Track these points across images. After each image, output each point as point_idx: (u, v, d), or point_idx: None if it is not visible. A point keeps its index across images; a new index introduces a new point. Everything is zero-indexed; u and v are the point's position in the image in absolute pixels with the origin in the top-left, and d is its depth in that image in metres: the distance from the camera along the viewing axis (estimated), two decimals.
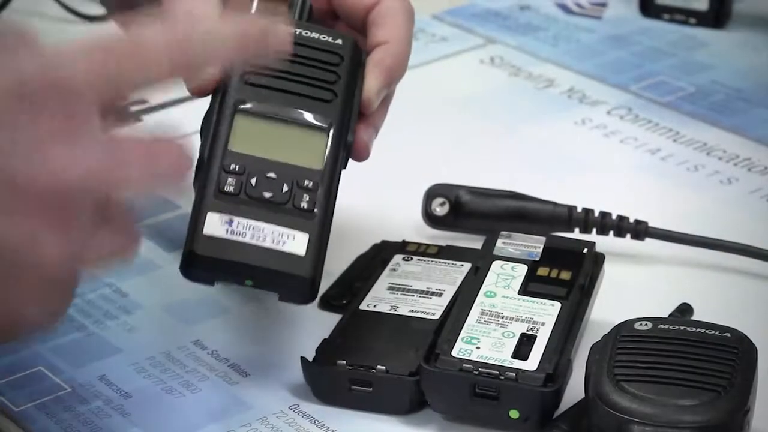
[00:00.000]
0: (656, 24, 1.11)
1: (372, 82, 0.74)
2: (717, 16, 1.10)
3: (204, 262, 0.69)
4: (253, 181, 0.70)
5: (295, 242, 0.70)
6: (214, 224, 0.69)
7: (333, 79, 0.74)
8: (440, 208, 0.84)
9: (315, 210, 0.71)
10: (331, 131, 0.73)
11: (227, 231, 0.69)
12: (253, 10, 0.73)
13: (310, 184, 0.71)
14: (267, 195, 0.70)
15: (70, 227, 0.57)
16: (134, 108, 0.98)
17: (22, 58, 0.56)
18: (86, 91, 0.57)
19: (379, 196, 0.87)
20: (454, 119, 0.98)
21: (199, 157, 0.71)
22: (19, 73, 0.56)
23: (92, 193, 0.58)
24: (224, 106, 0.72)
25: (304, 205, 0.71)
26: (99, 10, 1.10)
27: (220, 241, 0.69)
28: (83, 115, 0.57)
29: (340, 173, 0.73)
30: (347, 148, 0.73)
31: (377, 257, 0.80)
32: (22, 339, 0.67)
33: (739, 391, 0.66)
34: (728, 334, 0.68)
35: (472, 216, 0.84)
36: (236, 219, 0.69)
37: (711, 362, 0.67)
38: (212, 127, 0.72)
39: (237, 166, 0.70)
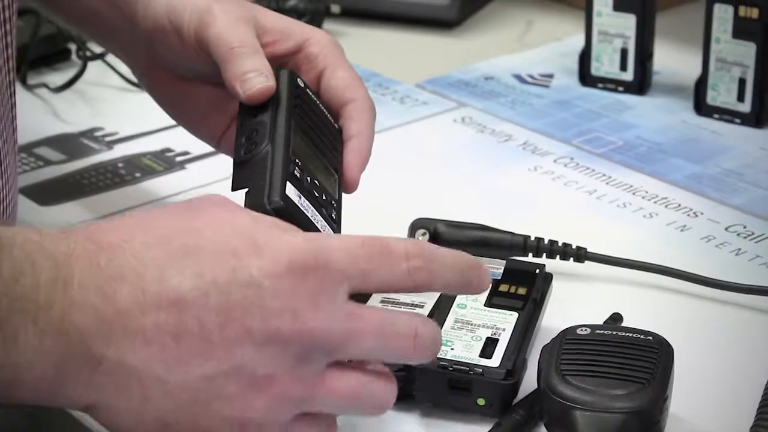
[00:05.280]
0: (592, 91, 1.11)
1: (356, 170, 0.75)
2: (640, 85, 1.10)
3: (281, 213, 0.67)
4: (308, 178, 0.70)
5: None
6: (291, 191, 0.68)
7: (334, 148, 0.75)
8: (422, 238, 0.84)
9: (336, 222, 0.71)
10: (338, 177, 0.74)
11: (298, 201, 0.68)
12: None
13: (334, 203, 0.72)
14: (316, 194, 0.70)
15: (299, 373, 0.58)
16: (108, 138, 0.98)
17: (295, 236, 0.59)
18: (341, 272, 0.58)
19: (373, 228, 0.87)
20: (432, 166, 0.98)
21: (248, 137, 0.71)
22: (291, 250, 0.58)
23: (325, 352, 0.58)
24: (279, 114, 0.72)
25: (333, 215, 0.71)
26: None
27: (294, 205, 0.68)
28: (333, 288, 0.58)
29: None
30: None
31: None
32: None
33: (660, 382, 0.66)
34: (651, 338, 0.68)
35: (447, 244, 0.83)
36: (302, 197, 0.69)
37: (637, 360, 0.67)
38: (270, 123, 0.71)
39: (298, 161, 0.70)
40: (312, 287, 0.57)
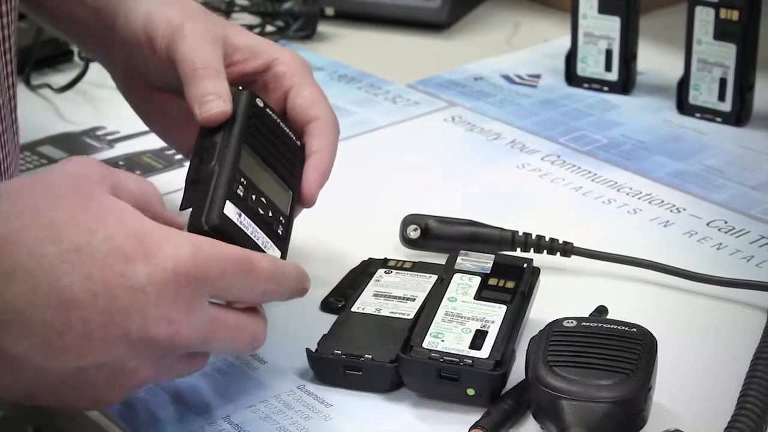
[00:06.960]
0: (578, 91, 1.11)
1: (313, 185, 0.75)
2: (624, 85, 1.10)
3: (217, 231, 0.67)
4: (254, 196, 0.70)
5: (273, 253, 0.70)
6: (230, 210, 0.68)
7: (291, 163, 0.75)
8: (414, 233, 0.84)
9: (282, 238, 0.71)
10: (293, 194, 0.74)
11: (237, 219, 0.68)
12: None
13: (282, 220, 0.72)
14: (261, 212, 0.70)
15: (160, 365, 0.63)
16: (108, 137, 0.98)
17: (179, 243, 0.62)
18: (212, 284, 0.62)
19: (367, 224, 0.87)
20: (423, 164, 0.98)
21: (200, 157, 0.71)
22: (176, 259, 0.61)
23: (186, 349, 0.63)
24: (232, 135, 0.72)
25: (279, 231, 0.71)
26: None
27: (232, 223, 0.68)
28: (202, 296, 0.62)
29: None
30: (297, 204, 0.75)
31: (365, 270, 0.79)
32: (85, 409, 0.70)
33: (644, 373, 0.66)
34: (635, 330, 0.68)
35: (438, 239, 0.84)
36: (243, 215, 0.69)
37: (622, 351, 0.66)
38: (221, 144, 0.71)
39: (244, 180, 0.70)
40: (188, 296, 0.61)
